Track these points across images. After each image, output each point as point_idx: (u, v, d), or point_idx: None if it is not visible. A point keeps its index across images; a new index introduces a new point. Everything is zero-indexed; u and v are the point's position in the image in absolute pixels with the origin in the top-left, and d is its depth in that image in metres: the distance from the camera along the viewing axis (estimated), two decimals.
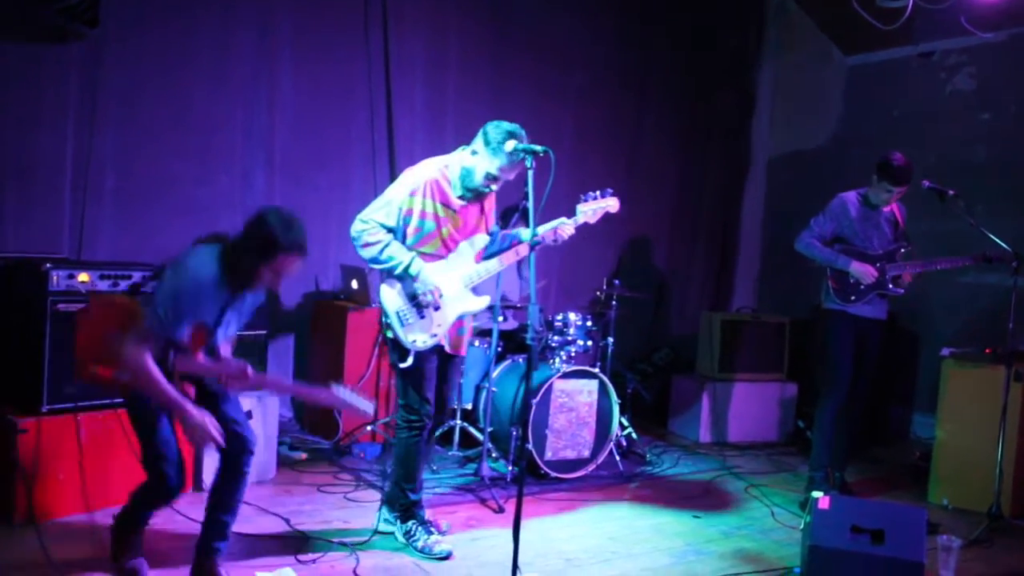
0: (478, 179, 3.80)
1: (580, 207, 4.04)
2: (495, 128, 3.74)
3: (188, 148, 5.21)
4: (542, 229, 3.95)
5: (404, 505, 3.98)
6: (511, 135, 3.70)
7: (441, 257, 3.86)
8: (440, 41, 6.28)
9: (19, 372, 4.04)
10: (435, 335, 3.83)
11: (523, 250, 3.93)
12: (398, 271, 3.75)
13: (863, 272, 4.88)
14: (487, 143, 3.74)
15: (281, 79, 5.58)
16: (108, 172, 5.04)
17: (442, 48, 6.30)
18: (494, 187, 3.86)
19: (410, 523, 3.95)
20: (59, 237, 4.89)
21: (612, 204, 4.10)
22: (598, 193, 4.07)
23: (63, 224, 4.91)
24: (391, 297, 3.82)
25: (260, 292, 3.35)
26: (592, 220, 4.09)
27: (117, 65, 4.97)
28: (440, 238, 3.84)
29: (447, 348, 3.93)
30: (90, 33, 4.70)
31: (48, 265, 3.92)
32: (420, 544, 3.87)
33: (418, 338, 3.81)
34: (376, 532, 3.96)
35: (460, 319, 3.95)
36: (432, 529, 3.97)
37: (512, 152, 3.61)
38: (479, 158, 3.78)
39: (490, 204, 4.10)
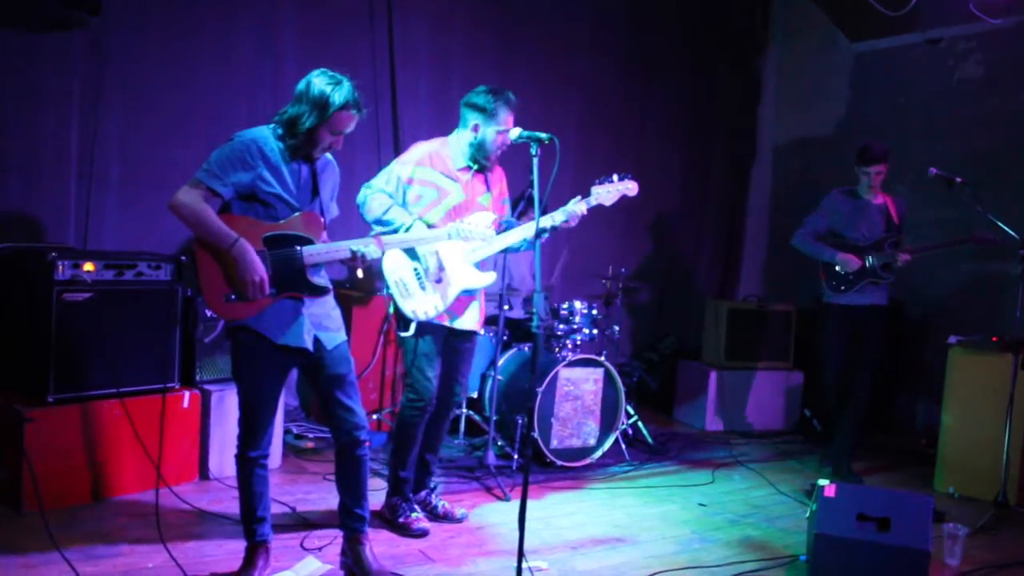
0: (491, 145, 3.92)
1: (596, 189, 4.06)
2: (476, 95, 3.89)
3: (193, 135, 5.19)
4: (559, 214, 3.99)
5: (393, 480, 4.07)
6: (492, 92, 3.88)
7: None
8: (445, 27, 6.26)
9: (26, 362, 4.04)
10: (437, 308, 3.86)
11: (527, 229, 3.98)
12: (400, 232, 3.83)
13: (846, 260, 5.05)
14: (482, 111, 3.88)
15: (285, 65, 5.56)
16: (113, 160, 5.04)
17: (447, 34, 6.28)
18: (508, 139, 3.93)
19: (395, 498, 4.05)
20: (65, 226, 4.90)
21: (631, 188, 4.11)
22: (615, 176, 4.08)
23: (69, 213, 4.91)
24: (392, 266, 3.88)
25: (331, 171, 3.35)
26: (608, 203, 4.10)
27: (120, 53, 4.97)
28: (443, 207, 3.89)
29: (452, 323, 3.95)
30: (92, 20, 4.69)
31: (54, 254, 3.91)
32: (402, 519, 3.96)
33: (418, 308, 3.85)
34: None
35: (468, 295, 3.98)
36: (416, 507, 4.06)
37: (517, 137, 3.58)
38: (484, 128, 3.90)
39: (501, 191, 4.14)
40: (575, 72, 6.93)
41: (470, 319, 4.03)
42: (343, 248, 3.23)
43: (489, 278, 4.00)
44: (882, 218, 5.16)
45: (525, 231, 4.00)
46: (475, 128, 3.91)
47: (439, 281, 3.88)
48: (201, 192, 3.06)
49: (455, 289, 3.90)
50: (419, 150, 3.95)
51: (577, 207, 4.00)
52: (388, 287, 3.91)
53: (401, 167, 3.89)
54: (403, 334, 3.92)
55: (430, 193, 3.88)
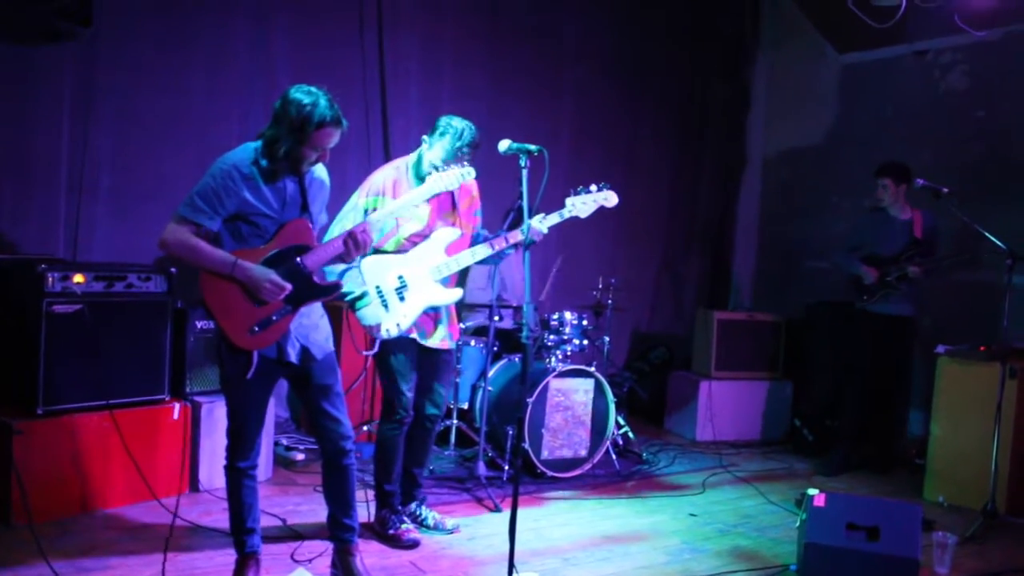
0: (424, 166, 3.87)
1: (570, 200, 3.95)
2: (442, 119, 3.88)
3: (184, 146, 5.19)
4: (532, 223, 3.93)
5: (380, 494, 4.07)
6: (450, 118, 3.85)
7: (403, 252, 3.88)
8: (435, 37, 6.28)
9: (15, 374, 4.03)
10: (399, 325, 3.82)
11: (498, 243, 3.93)
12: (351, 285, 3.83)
13: (864, 272, 5.55)
14: (431, 133, 3.88)
15: (277, 77, 5.56)
16: (104, 171, 5.03)
17: (437, 44, 6.29)
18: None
19: (384, 511, 4.04)
20: (55, 237, 4.89)
21: (609, 198, 3.97)
22: (594, 187, 3.97)
23: (59, 224, 4.90)
24: (355, 283, 3.85)
25: (320, 184, 3.32)
26: (583, 215, 3.99)
27: (112, 64, 4.97)
28: (400, 236, 3.86)
29: (421, 340, 3.93)
30: (84, 32, 4.68)
31: (43, 266, 3.91)
32: (392, 531, 3.96)
33: (379, 325, 3.82)
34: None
35: (434, 311, 3.95)
36: (405, 518, 4.06)
37: (506, 149, 3.55)
38: (425, 146, 3.90)
39: (470, 203, 4.08)
40: (566, 82, 6.96)
41: (438, 337, 3.99)
42: (336, 241, 3.23)
43: (455, 294, 3.95)
44: (906, 233, 5.51)
45: (478, 252, 3.92)
46: (423, 141, 3.91)
47: (402, 299, 3.83)
48: (188, 228, 3.05)
49: (419, 306, 3.85)
50: (376, 181, 3.89)
51: (538, 225, 3.91)
52: (351, 307, 3.88)
53: (364, 201, 3.84)
54: (365, 352, 3.92)
55: (388, 223, 3.82)
